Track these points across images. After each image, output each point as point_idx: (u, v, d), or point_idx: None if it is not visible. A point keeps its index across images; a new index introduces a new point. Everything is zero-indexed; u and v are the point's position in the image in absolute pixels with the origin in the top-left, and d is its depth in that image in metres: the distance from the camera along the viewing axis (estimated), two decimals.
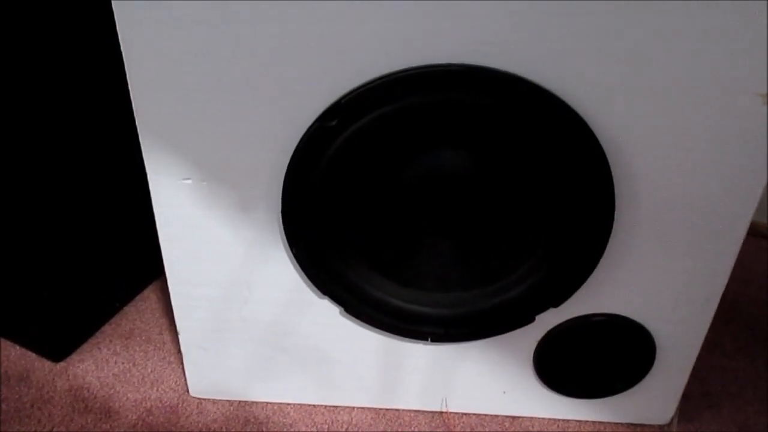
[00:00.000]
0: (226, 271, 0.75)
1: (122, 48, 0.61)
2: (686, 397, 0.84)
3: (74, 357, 0.94)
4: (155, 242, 0.74)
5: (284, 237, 0.70)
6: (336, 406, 0.87)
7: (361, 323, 0.77)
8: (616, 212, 0.66)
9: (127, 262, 1.01)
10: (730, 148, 0.62)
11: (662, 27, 0.56)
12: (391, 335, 0.78)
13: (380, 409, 0.87)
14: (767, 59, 0.57)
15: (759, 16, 0.55)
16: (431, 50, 0.59)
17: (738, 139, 0.62)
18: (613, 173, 0.63)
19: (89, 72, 0.84)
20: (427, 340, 0.77)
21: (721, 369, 0.94)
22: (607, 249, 0.68)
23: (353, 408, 0.87)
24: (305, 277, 0.73)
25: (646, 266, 0.71)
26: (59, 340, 0.94)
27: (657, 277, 0.71)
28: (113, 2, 0.58)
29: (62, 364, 0.93)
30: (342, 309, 0.75)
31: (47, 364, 0.93)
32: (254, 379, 0.85)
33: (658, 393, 0.82)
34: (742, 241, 0.69)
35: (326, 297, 0.75)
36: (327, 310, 0.76)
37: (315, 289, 0.74)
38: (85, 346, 0.96)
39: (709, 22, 0.56)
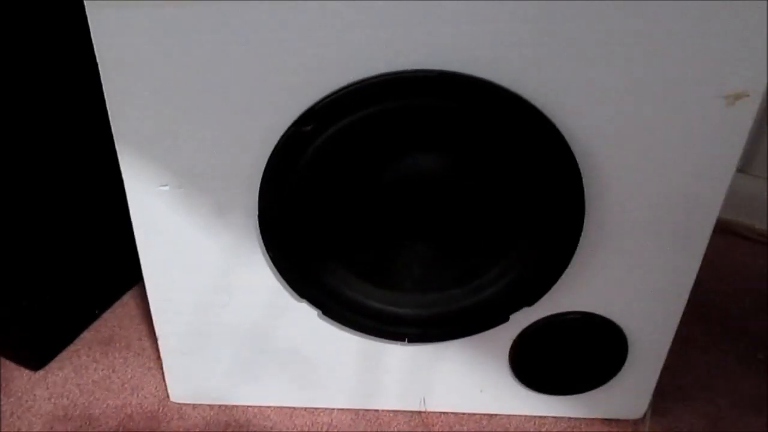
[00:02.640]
0: (204, 276, 0.75)
1: (97, 55, 0.61)
2: (659, 391, 0.85)
3: (53, 365, 0.94)
4: (133, 248, 0.74)
5: (261, 241, 0.71)
6: (316, 408, 0.88)
7: (339, 325, 0.78)
8: (586, 212, 0.67)
9: (106, 268, 1.01)
10: (696, 148, 0.64)
11: (627, 31, 0.58)
12: (369, 336, 0.79)
13: (360, 409, 0.88)
14: (728, 62, 0.59)
15: (722, 21, 0.57)
16: (404, 56, 0.60)
17: (702, 140, 0.64)
18: (582, 174, 0.65)
19: (64, 77, 0.84)
20: (404, 340, 0.78)
21: (693, 363, 0.96)
22: (578, 248, 0.70)
23: (333, 409, 0.88)
24: (283, 281, 0.74)
25: (617, 264, 0.72)
26: (38, 348, 0.93)
27: (627, 274, 0.73)
28: (87, 9, 0.58)
29: (41, 372, 0.93)
30: (320, 312, 0.76)
31: (26, 372, 0.92)
32: (234, 383, 0.86)
33: (632, 388, 0.84)
34: (708, 238, 0.70)
35: (304, 300, 0.75)
36: (305, 313, 0.77)
37: (293, 292, 0.75)
38: (64, 354, 0.96)
39: (673, 26, 0.58)
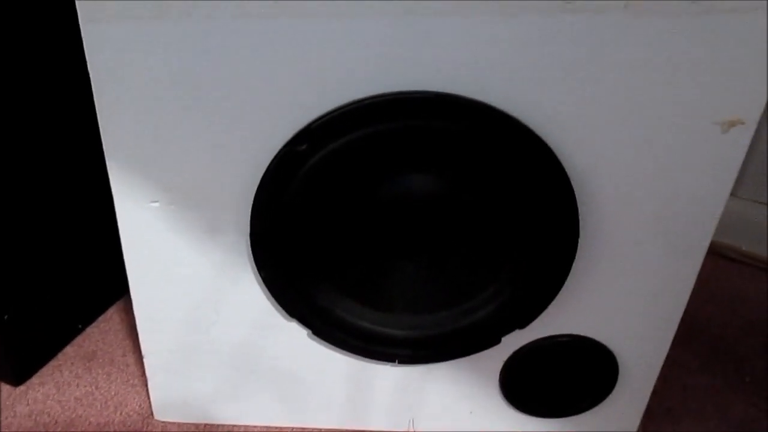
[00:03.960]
0: (193, 294, 0.74)
1: (90, 71, 0.60)
2: (648, 413, 0.85)
3: (34, 380, 0.92)
4: (118, 261, 0.73)
5: (252, 260, 0.70)
6: (304, 428, 0.87)
7: (329, 345, 0.77)
8: (580, 236, 0.67)
9: (90, 282, 1.00)
10: (691, 174, 0.64)
11: (625, 57, 0.58)
12: (359, 357, 0.78)
13: (348, 430, 0.87)
14: (724, 89, 0.59)
15: (718, 49, 0.57)
16: (400, 77, 0.60)
17: (698, 166, 0.64)
18: (577, 198, 0.65)
19: (53, 90, 0.83)
20: (394, 361, 0.77)
21: (682, 386, 0.96)
22: (572, 272, 0.69)
23: (321, 429, 0.87)
24: (273, 300, 0.73)
25: (609, 288, 0.72)
26: (19, 363, 0.91)
27: (620, 298, 0.73)
28: (82, 26, 0.58)
29: (22, 387, 0.91)
30: (310, 332, 0.75)
31: (6, 388, 0.91)
32: (221, 402, 0.85)
33: (621, 410, 0.84)
34: (701, 262, 0.70)
35: (294, 320, 0.74)
36: (295, 333, 0.76)
37: (283, 311, 0.74)
38: (46, 369, 0.94)
39: (671, 54, 0.58)
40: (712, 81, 0.59)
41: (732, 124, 0.61)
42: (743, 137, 0.62)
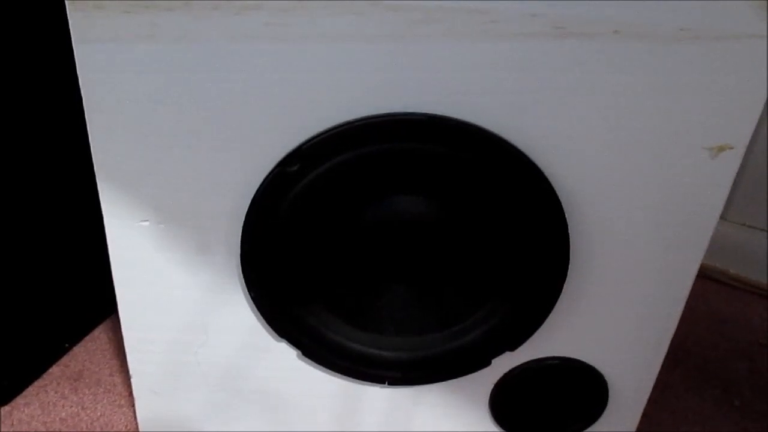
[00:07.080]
0: (182, 314, 0.74)
1: (82, 91, 0.60)
2: None
3: (19, 400, 0.91)
4: (105, 280, 0.72)
5: (243, 281, 0.70)
6: None
7: (319, 366, 0.76)
8: (570, 259, 0.67)
9: (77, 301, 0.99)
10: (680, 198, 0.65)
11: (614, 82, 0.59)
12: (349, 378, 0.77)
13: None
14: (713, 115, 0.60)
15: (706, 75, 0.58)
16: (392, 99, 0.60)
17: (687, 190, 0.64)
18: (568, 222, 0.65)
19: (42, 106, 0.83)
20: (384, 383, 0.77)
21: (671, 408, 0.96)
22: (562, 294, 0.69)
23: None
24: (263, 321, 0.73)
25: (599, 311, 0.72)
26: (3, 383, 0.90)
27: (610, 321, 0.73)
28: (74, 45, 0.58)
29: (6, 408, 0.90)
30: (299, 352, 0.75)
31: None
32: (209, 423, 0.84)
33: None
34: (690, 286, 0.71)
35: (284, 340, 0.74)
36: (284, 354, 0.76)
37: (272, 332, 0.73)
38: (31, 389, 0.93)
39: (659, 79, 0.58)
40: (701, 106, 0.60)
41: (721, 149, 0.62)
42: (732, 162, 0.63)
